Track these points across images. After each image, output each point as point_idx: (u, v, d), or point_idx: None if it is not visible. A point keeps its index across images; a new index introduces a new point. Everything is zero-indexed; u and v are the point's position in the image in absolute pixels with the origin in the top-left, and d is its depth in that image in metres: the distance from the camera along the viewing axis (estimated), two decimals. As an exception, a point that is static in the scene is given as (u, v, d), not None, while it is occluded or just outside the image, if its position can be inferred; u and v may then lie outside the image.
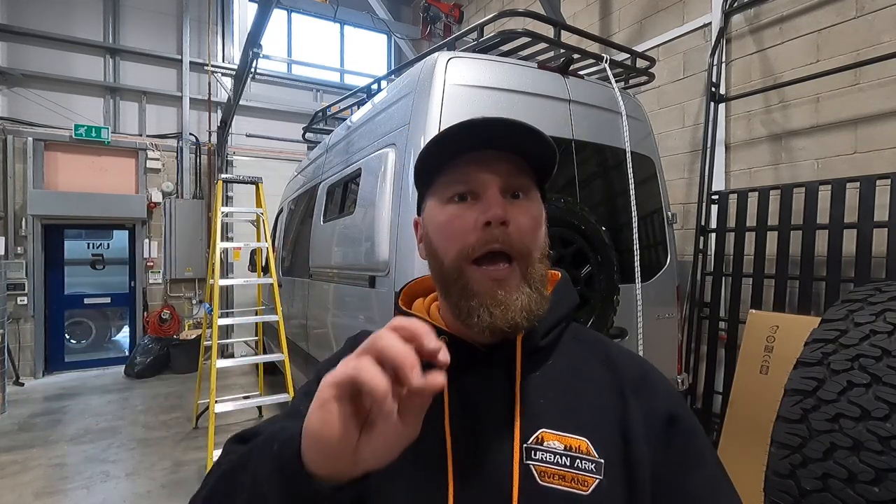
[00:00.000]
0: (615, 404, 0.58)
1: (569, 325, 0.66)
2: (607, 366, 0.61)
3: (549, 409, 0.57)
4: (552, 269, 0.70)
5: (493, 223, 0.54)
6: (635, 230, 2.17)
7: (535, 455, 0.54)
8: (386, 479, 0.58)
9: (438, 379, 0.36)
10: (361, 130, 2.68)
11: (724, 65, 3.34)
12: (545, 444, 0.54)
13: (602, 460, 0.53)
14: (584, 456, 0.54)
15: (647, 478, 0.53)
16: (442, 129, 2.03)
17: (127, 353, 6.07)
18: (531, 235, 0.57)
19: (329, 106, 4.01)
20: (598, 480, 0.53)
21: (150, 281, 6.16)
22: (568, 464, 0.53)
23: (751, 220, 2.93)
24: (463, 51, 2.19)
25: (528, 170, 0.58)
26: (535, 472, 0.53)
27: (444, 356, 0.37)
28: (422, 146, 2.07)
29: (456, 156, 0.57)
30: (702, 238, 3.22)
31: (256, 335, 4.56)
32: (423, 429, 0.59)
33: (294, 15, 7.10)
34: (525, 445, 0.54)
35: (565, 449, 0.54)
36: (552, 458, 0.54)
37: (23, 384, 5.20)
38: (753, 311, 2.58)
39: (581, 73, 2.47)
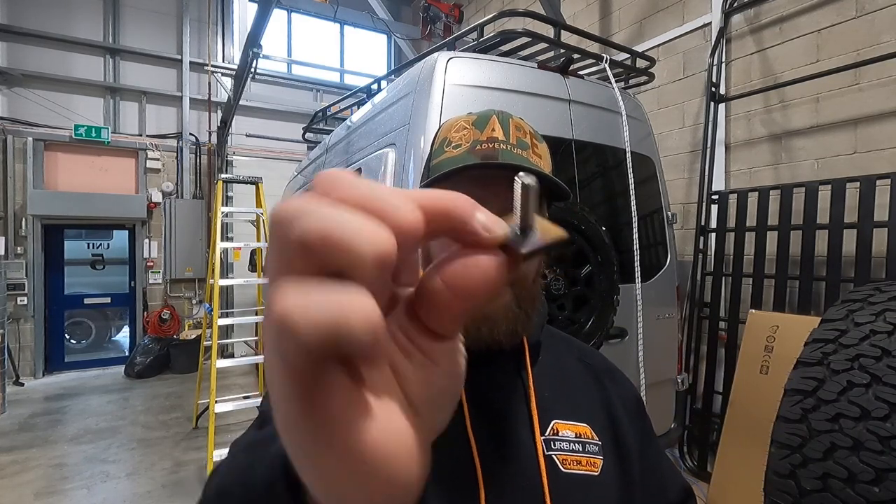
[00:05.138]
0: (598, 391, 0.65)
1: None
2: (581, 359, 0.69)
3: (555, 400, 0.61)
4: None
5: None
6: (635, 230, 2.16)
7: (554, 445, 0.58)
8: None
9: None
10: (361, 130, 2.68)
11: (724, 65, 3.34)
12: (560, 433, 0.59)
13: (601, 442, 0.60)
14: (590, 440, 0.59)
15: (636, 455, 0.61)
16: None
17: (127, 353, 6.07)
18: None
19: (329, 106, 4.01)
20: (602, 461, 0.59)
21: (150, 281, 6.16)
22: (580, 449, 0.58)
23: (751, 220, 2.93)
24: (463, 51, 2.18)
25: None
26: (557, 461, 0.57)
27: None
28: (422, 146, 2.07)
29: (462, 170, 0.58)
30: (702, 238, 3.22)
31: (256, 335, 4.56)
32: (444, 431, 0.58)
33: (294, 15, 7.10)
34: (544, 437, 0.58)
35: (576, 436, 0.59)
36: (568, 445, 0.58)
37: (23, 384, 5.20)
38: (753, 311, 2.58)
39: (581, 73, 2.47)
